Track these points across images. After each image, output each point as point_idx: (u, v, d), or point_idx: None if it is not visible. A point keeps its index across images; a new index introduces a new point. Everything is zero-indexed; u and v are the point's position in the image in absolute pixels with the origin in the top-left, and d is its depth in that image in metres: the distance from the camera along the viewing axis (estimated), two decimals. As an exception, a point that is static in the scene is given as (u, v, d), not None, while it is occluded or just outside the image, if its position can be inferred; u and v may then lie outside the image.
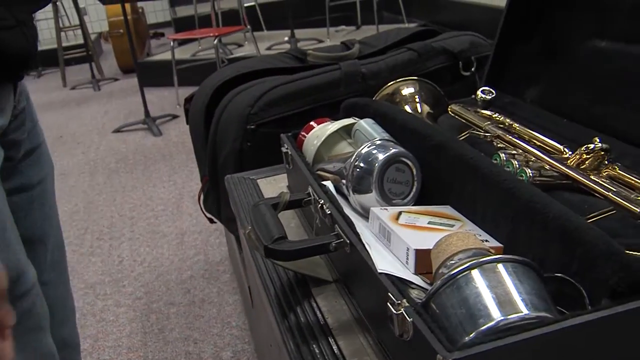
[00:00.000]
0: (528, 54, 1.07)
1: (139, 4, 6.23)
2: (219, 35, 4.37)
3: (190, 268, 2.39)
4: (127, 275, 2.38)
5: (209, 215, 1.62)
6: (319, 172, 0.89)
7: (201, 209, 1.60)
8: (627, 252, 0.57)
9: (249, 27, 4.72)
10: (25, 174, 0.82)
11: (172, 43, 4.54)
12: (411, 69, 1.48)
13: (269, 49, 4.94)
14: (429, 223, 0.72)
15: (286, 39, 4.88)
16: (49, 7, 6.29)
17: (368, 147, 0.80)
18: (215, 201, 1.52)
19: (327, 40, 5.01)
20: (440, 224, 0.72)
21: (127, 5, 5.32)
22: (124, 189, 3.29)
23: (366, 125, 0.92)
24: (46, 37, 7.46)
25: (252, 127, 1.34)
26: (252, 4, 5.61)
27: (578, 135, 0.89)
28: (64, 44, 6.48)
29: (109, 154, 3.86)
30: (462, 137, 0.90)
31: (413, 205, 0.81)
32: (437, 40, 1.57)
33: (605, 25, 0.93)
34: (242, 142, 1.36)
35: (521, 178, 0.73)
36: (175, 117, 4.34)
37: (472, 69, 1.56)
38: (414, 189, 0.80)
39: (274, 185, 1.15)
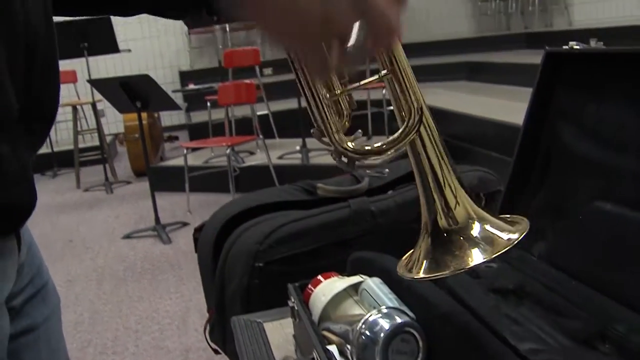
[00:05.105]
0: (535, 208, 1.09)
1: (156, 109, 6.39)
2: (232, 145, 4.46)
3: (194, 389, 2.34)
4: (128, 395, 2.34)
5: (214, 346, 1.60)
6: (324, 333, 0.89)
7: (206, 340, 1.58)
8: None
9: (261, 136, 4.82)
10: (30, 316, 0.80)
11: (185, 151, 4.62)
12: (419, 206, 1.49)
13: (280, 157, 5.02)
14: (434, 404, 0.70)
15: (297, 147, 4.97)
16: (69, 109, 6.47)
17: (375, 316, 0.80)
18: (221, 334, 1.51)
19: (338, 150, 5.07)
20: (447, 405, 0.71)
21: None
22: (131, 299, 3.27)
23: (373, 285, 0.92)
24: (64, 138, 7.63)
25: (260, 264, 1.34)
26: (266, 112, 5.74)
27: (587, 302, 0.89)
28: (81, 146, 6.62)
29: (118, 261, 3.86)
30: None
31: (419, 375, 0.80)
32: (445, 177, 1.59)
33: (610, 188, 0.95)
34: (250, 279, 1.36)
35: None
36: (185, 224, 4.37)
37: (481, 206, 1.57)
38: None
39: (280, 331, 1.14)
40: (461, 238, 0.64)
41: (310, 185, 1.61)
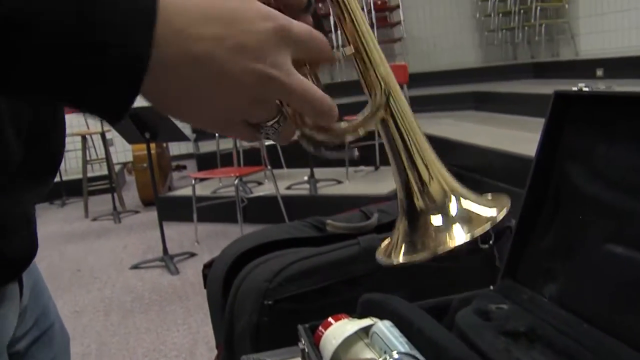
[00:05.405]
0: (545, 249, 1.08)
1: (164, 138, 6.43)
2: (240, 176, 4.47)
3: None
4: None
5: (223, 383, 1.59)
6: (335, 377, 0.89)
7: (215, 377, 1.58)
8: None
9: (269, 167, 4.84)
10: (35, 359, 0.79)
11: (193, 181, 4.64)
12: (429, 242, 1.49)
13: (288, 188, 5.03)
14: None
15: (305, 178, 4.99)
16: (78, 138, 6.52)
17: (386, 362, 0.80)
18: (230, 371, 1.50)
19: (346, 181, 5.11)
20: None
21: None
22: (138, 330, 3.26)
23: (384, 328, 0.92)
24: (73, 167, 7.68)
25: (270, 302, 1.34)
26: (273, 143, 5.76)
27: (598, 346, 0.88)
28: (89, 175, 6.66)
29: (125, 292, 3.86)
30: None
31: (431, 422, 0.79)
32: (454, 213, 1.59)
33: (621, 231, 0.95)
34: (259, 317, 1.36)
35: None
36: (193, 255, 4.37)
37: (490, 242, 1.57)
38: (431, 408, 0.79)
39: (290, 371, 1.14)
40: (439, 218, 0.62)
41: (319, 222, 1.61)
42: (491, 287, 1.14)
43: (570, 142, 1.09)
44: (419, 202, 0.62)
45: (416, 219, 0.63)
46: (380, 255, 0.67)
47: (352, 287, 1.40)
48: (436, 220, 0.62)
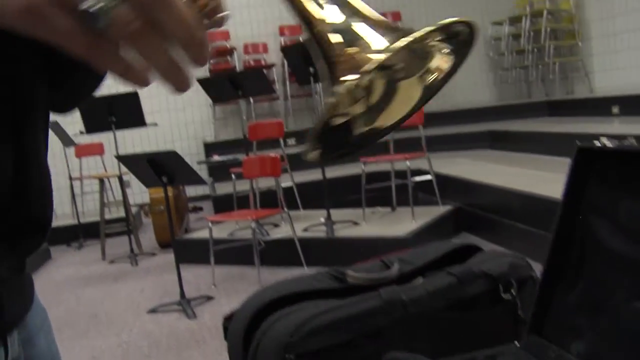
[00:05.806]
0: (571, 305, 1.07)
1: (181, 180, 6.47)
2: (257, 219, 4.47)
3: None
4: None
5: None
6: None
7: None
8: None
9: (285, 210, 4.84)
10: None
11: (210, 224, 4.65)
12: (451, 294, 1.49)
13: (305, 230, 5.02)
14: None
15: (322, 219, 4.98)
16: (95, 181, 6.58)
17: None
18: None
19: (363, 222, 5.11)
20: None
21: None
22: (155, 377, 3.24)
23: (410, 390, 0.91)
24: (90, 209, 7.73)
25: (292, 357, 1.33)
26: (290, 184, 5.79)
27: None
28: (107, 217, 6.69)
29: (142, 337, 3.84)
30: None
31: None
32: (476, 264, 1.58)
33: (649, 289, 0.94)
34: (281, 372, 1.34)
35: None
36: (210, 298, 4.35)
37: (512, 291, 1.55)
38: None
39: None
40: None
41: (339, 272, 1.60)
42: (516, 342, 1.13)
43: (593, 196, 1.08)
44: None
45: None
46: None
47: (374, 340, 1.39)
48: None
